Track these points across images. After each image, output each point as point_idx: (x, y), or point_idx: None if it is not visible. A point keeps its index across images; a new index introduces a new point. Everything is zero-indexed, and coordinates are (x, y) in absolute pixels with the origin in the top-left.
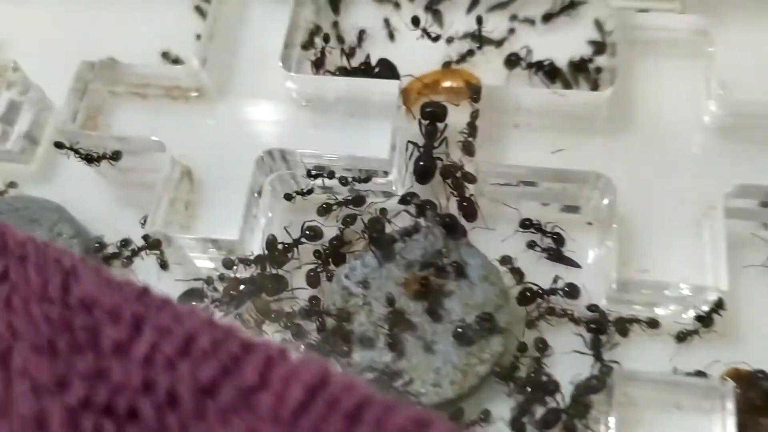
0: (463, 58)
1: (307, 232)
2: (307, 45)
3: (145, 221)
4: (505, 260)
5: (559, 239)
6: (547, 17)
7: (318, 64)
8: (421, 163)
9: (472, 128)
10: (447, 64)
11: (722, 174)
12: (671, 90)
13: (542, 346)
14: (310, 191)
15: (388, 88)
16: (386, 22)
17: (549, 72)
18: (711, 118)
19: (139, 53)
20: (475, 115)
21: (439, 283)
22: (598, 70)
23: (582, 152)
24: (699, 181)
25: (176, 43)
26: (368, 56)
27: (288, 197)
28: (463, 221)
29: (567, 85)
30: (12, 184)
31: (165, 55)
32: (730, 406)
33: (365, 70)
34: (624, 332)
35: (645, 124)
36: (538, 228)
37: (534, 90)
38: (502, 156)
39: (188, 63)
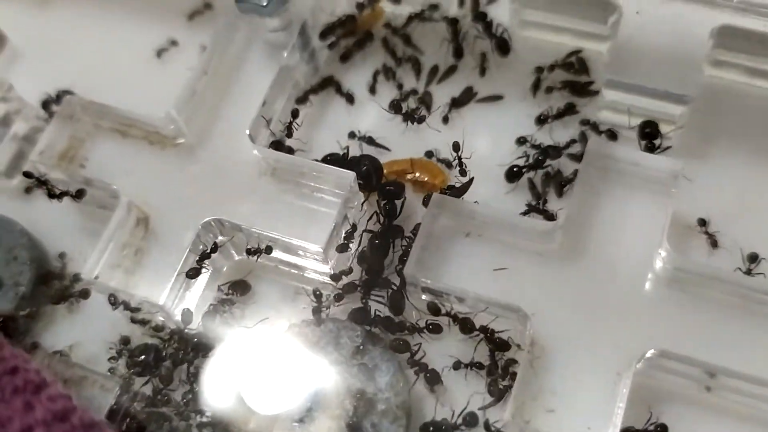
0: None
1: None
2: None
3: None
4: None
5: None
6: (542, 120)
7: (288, 136)
8: (376, 241)
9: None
10: (429, 154)
11: (658, 327)
12: (631, 227)
13: None
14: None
15: (343, 178)
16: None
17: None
18: (662, 265)
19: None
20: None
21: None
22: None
23: (524, 275)
24: (633, 330)
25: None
26: (347, 148)
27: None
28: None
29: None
30: None
31: None
32: None
33: (339, 159)
34: None
35: (596, 257)
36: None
37: (489, 207)
38: (444, 262)
39: (168, 113)
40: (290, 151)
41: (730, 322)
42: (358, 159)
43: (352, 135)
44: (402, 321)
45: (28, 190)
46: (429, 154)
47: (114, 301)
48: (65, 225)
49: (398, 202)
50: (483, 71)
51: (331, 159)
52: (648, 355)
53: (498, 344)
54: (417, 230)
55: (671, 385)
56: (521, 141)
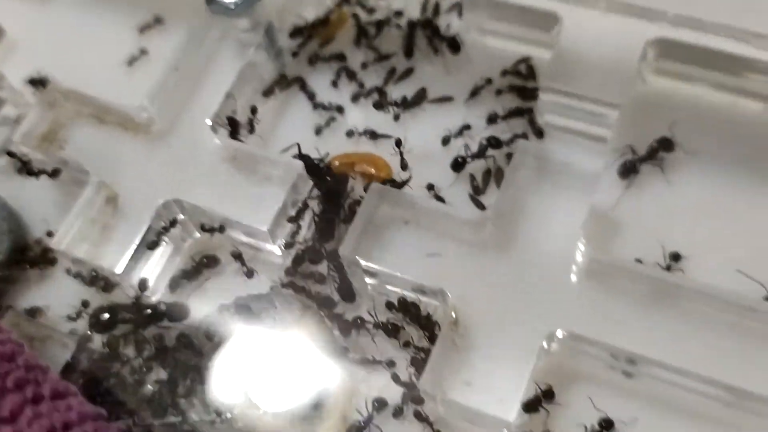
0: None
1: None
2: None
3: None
4: None
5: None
6: (492, 119)
7: (251, 129)
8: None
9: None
10: (398, 142)
11: (573, 313)
12: (556, 221)
13: None
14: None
15: (290, 165)
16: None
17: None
18: (582, 257)
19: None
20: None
21: None
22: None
23: (455, 262)
24: (550, 314)
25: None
26: (299, 145)
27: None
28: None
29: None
30: None
31: None
32: None
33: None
34: None
35: (522, 247)
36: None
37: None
38: (383, 247)
39: (141, 103)
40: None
41: (645, 313)
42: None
43: (350, 134)
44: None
45: (20, 170)
46: (398, 142)
47: (70, 270)
48: (46, 201)
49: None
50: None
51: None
52: (558, 335)
53: (420, 320)
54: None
55: (591, 367)
56: (445, 141)
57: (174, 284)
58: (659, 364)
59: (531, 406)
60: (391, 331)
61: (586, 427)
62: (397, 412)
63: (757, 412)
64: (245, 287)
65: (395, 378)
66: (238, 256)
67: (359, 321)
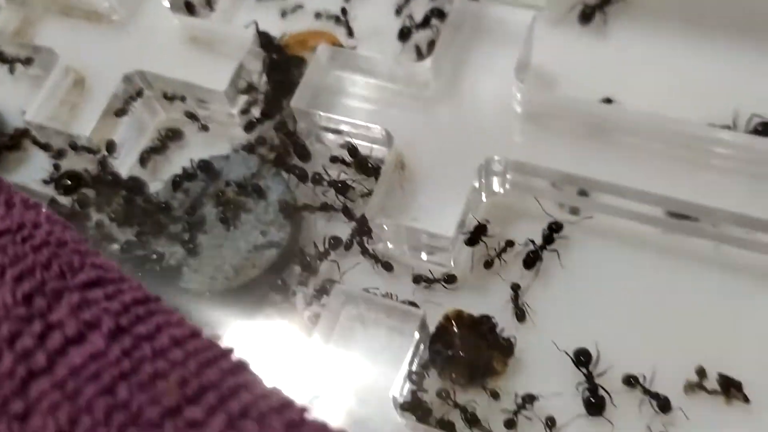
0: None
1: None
2: None
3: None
4: None
5: (343, 187)
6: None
7: (210, 8)
8: None
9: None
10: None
11: (510, 146)
12: (494, 72)
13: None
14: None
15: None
16: None
17: None
18: (519, 100)
19: None
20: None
21: (236, 200)
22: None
23: (400, 113)
24: (491, 148)
25: None
26: (256, 23)
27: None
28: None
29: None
30: None
31: None
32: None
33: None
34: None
35: (465, 95)
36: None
37: (373, 57)
38: (333, 103)
39: None
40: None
41: (581, 147)
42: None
43: (318, 15)
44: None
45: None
46: (343, 10)
47: (38, 140)
48: (23, 97)
49: None
50: None
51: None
52: (498, 163)
53: (367, 168)
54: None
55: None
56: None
57: (143, 160)
58: (602, 186)
59: (472, 240)
60: (341, 188)
61: (533, 242)
62: (348, 245)
63: (691, 231)
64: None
65: (345, 211)
66: (192, 116)
67: (317, 177)
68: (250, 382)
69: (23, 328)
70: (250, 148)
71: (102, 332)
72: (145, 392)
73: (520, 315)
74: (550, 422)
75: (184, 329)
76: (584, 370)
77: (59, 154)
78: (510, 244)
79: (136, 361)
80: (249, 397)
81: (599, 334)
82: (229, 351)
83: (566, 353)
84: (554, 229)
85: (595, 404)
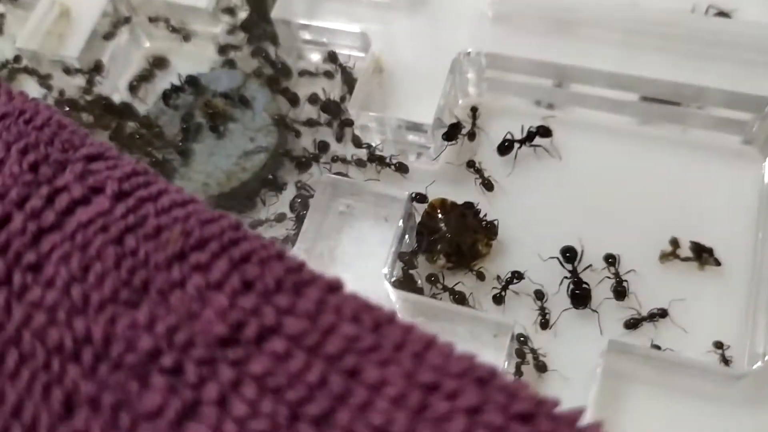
0: None
1: None
2: None
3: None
4: None
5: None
6: None
7: None
8: None
9: None
10: None
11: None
12: None
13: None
14: None
15: None
16: None
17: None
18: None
19: None
20: None
21: (224, 108)
22: None
23: (383, 24)
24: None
25: None
26: None
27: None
28: None
29: None
30: None
31: None
32: None
33: None
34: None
35: (436, 2)
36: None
37: None
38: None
39: None
40: None
41: (547, 42)
42: None
43: None
44: None
45: None
46: None
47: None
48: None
49: None
50: None
51: None
52: (469, 52)
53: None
54: None
55: (516, 104)
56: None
57: (133, 87)
58: (576, 72)
59: (449, 135)
60: (333, 110)
61: (511, 134)
62: (338, 137)
63: (661, 116)
64: None
65: (325, 105)
66: (174, 29)
67: (314, 96)
68: (249, 236)
69: (31, 192)
70: (231, 64)
71: (106, 194)
72: (151, 241)
73: (544, 324)
74: (539, 295)
75: (183, 195)
76: (569, 266)
77: (46, 79)
78: (518, 275)
79: (141, 218)
80: (250, 246)
81: (579, 221)
82: (223, 215)
83: (555, 258)
84: (541, 133)
85: (580, 296)
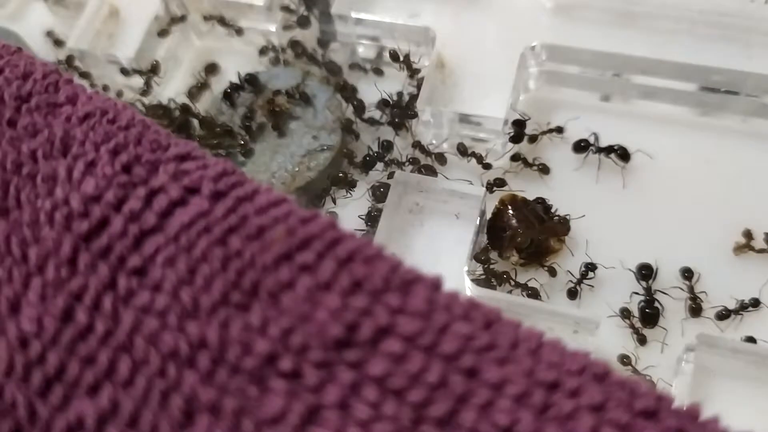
0: None
1: None
2: None
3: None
4: None
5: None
6: None
7: None
8: None
9: None
10: None
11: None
12: None
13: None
14: None
15: None
16: None
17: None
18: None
19: None
20: None
21: (287, 106)
22: None
23: (444, 17)
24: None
25: None
26: None
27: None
28: None
29: None
30: None
31: None
32: None
33: None
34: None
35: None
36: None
37: None
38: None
39: None
40: None
41: (611, 35)
42: None
43: None
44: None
45: None
46: None
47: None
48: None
49: None
50: None
51: None
52: (533, 45)
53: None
54: None
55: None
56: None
57: (192, 95)
58: (636, 62)
59: (517, 137)
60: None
61: (596, 135)
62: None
63: (722, 106)
64: None
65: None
66: (221, 20)
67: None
68: (348, 234)
69: (128, 193)
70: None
71: (203, 195)
72: (255, 242)
73: (641, 339)
74: (625, 313)
75: (275, 194)
76: (644, 284)
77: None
78: (591, 267)
79: (241, 218)
80: (353, 244)
81: (645, 214)
82: (318, 213)
83: (630, 270)
84: (620, 154)
85: (650, 315)
